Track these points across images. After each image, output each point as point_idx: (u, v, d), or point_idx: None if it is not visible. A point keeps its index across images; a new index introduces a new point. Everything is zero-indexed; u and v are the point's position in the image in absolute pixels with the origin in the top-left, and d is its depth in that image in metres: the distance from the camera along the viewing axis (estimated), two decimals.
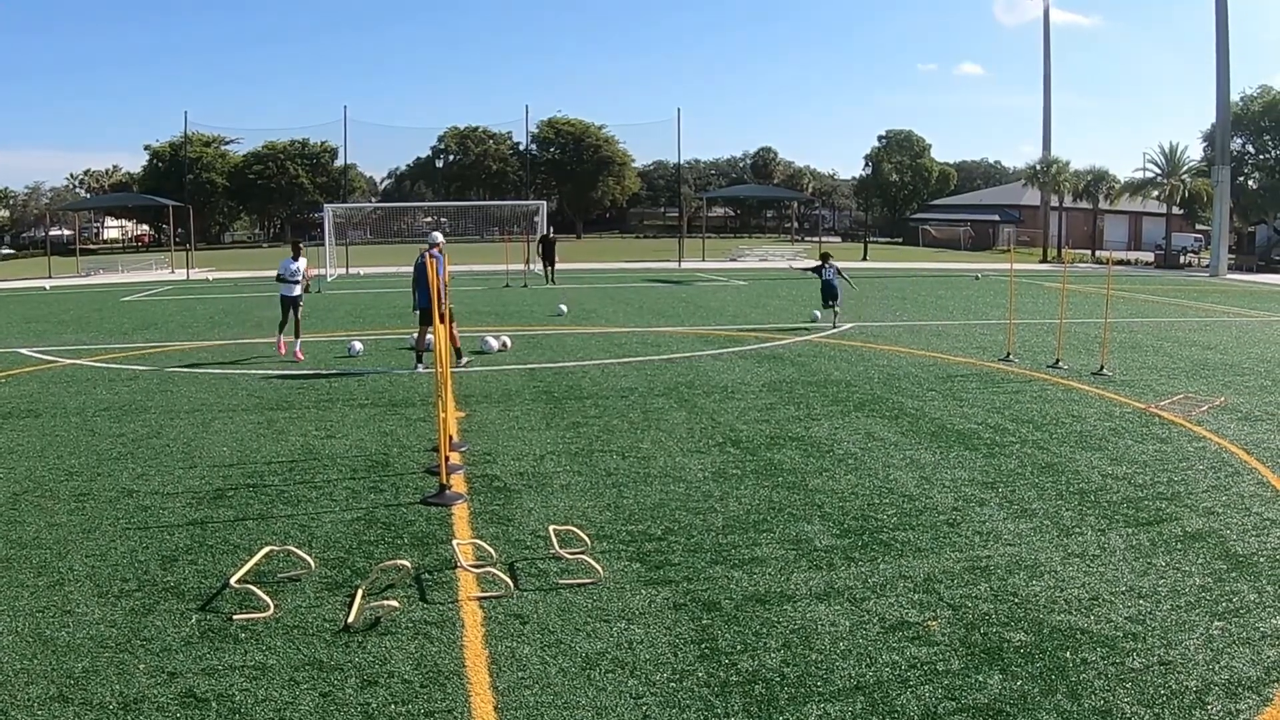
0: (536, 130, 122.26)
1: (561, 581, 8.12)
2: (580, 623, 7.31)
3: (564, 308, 24.14)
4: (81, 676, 6.59)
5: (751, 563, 8.52)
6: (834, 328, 25.07)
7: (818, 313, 27.45)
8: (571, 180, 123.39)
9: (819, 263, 26.74)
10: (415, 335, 19.70)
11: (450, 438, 11.76)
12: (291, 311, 21.88)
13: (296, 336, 21.73)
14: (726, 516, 9.77)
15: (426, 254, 17.94)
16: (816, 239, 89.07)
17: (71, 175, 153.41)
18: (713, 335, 23.78)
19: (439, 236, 18.64)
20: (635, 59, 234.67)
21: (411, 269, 20.43)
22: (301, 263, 21.97)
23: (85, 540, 9.37)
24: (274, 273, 22.21)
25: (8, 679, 6.58)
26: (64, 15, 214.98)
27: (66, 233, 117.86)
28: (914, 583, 8.07)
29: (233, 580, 8.03)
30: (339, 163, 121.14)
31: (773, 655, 6.75)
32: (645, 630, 7.16)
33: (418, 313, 19.34)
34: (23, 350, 23.79)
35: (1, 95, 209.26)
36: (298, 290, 21.77)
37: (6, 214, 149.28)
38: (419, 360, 19.03)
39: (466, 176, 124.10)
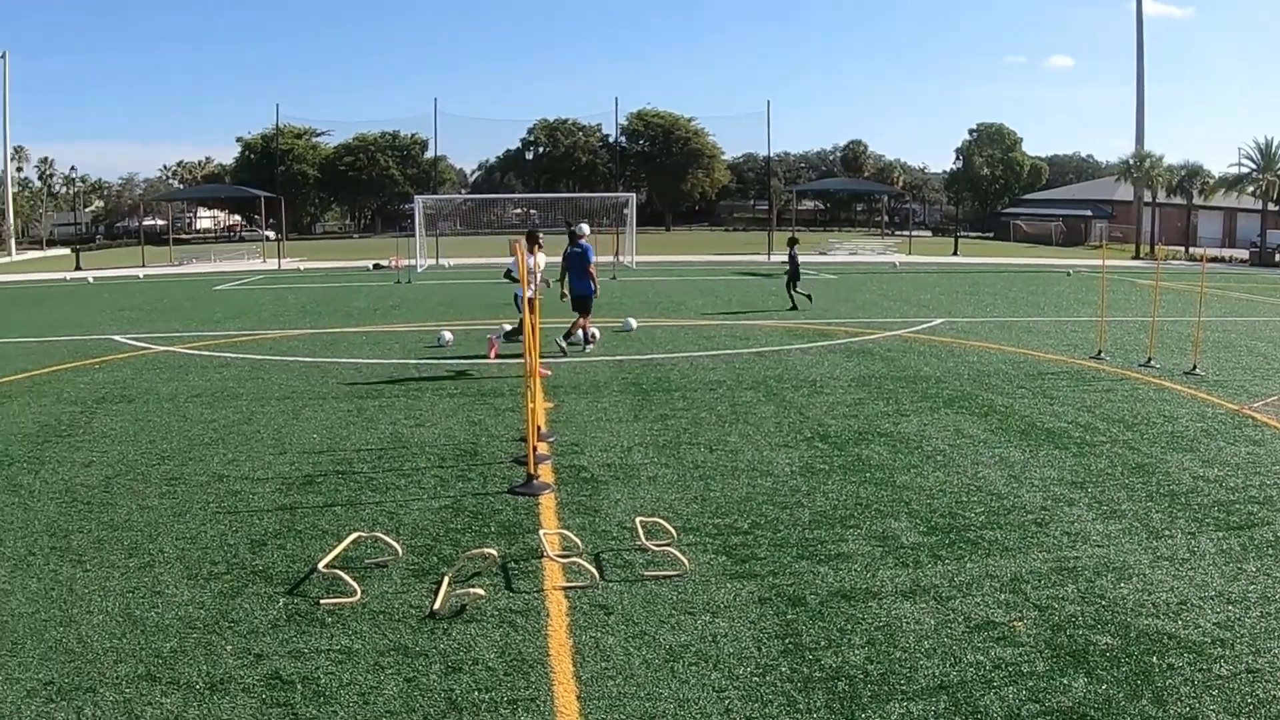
0: (626, 122, 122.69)
1: (647, 573, 8.13)
2: (665, 615, 7.31)
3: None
4: (169, 656, 6.75)
5: (837, 558, 8.47)
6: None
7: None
8: (661, 173, 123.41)
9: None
10: (572, 326, 19.91)
11: (538, 428, 11.84)
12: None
13: (510, 341, 20.20)
14: (813, 511, 9.72)
15: (569, 246, 19.06)
16: (907, 233, 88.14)
17: (165, 167, 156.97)
18: (801, 329, 23.65)
19: (585, 228, 19.11)
20: (725, 51, 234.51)
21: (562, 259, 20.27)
22: (539, 258, 19.31)
23: (176, 523, 9.61)
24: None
25: (97, 657, 6.78)
26: (158, 10, 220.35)
27: (160, 223, 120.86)
28: (1000, 582, 7.96)
29: (320, 565, 8.15)
30: (429, 154, 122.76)
31: (856, 652, 6.70)
32: (729, 624, 7.15)
33: (572, 300, 19.50)
34: (116, 337, 24.44)
35: (97, 89, 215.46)
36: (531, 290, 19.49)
37: (101, 204, 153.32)
38: (586, 343, 19.10)
39: (556, 169, 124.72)
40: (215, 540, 9.10)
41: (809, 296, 29.43)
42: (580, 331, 20.09)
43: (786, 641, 6.85)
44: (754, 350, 20.06)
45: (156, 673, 6.52)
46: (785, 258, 30.57)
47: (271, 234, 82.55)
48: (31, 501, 10.51)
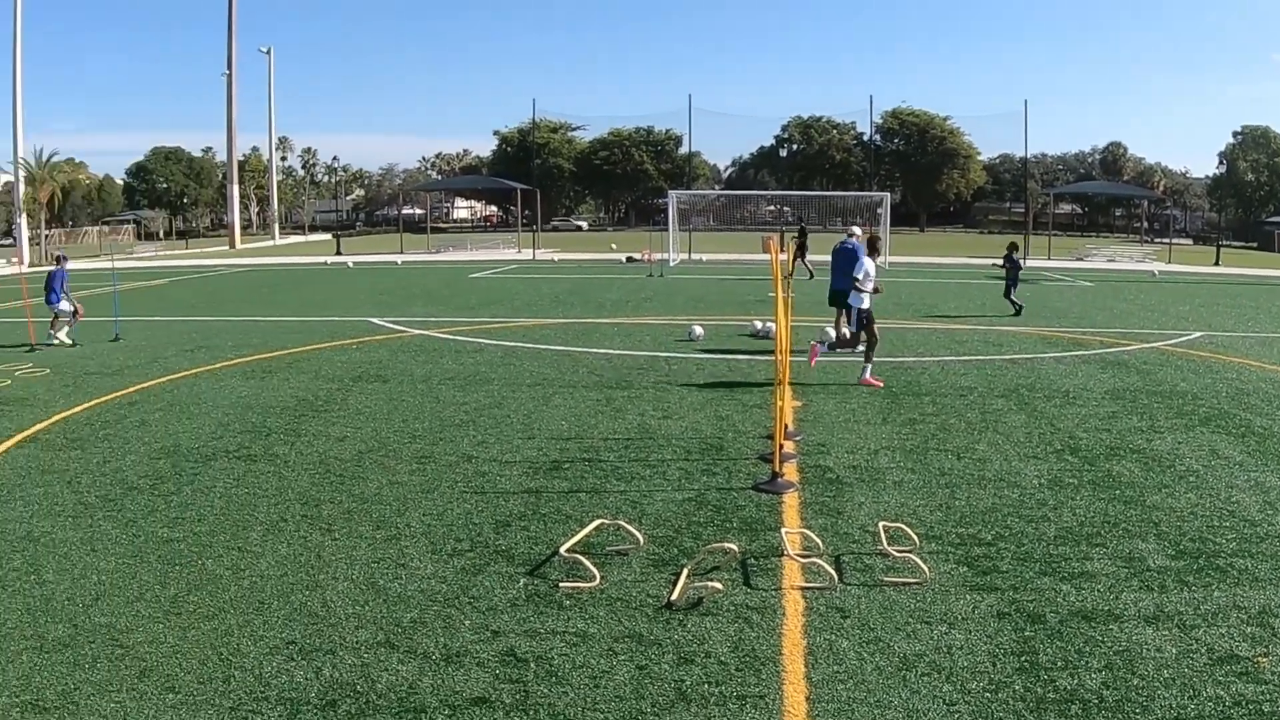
0: (880, 120, 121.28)
1: (886, 579, 7.94)
2: (901, 622, 7.12)
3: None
4: (409, 626, 6.99)
5: (1080, 577, 8.06)
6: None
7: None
8: (915, 172, 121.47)
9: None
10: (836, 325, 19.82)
11: (786, 426, 11.72)
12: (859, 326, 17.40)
13: (868, 361, 16.97)
14: (1059, 527, 9.30)
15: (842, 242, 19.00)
16: (1167, 240, 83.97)
17: (424, 158, 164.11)
18: (1056, 337, 22.74)
19: (858, 230, 19.35)
20: (982, 49, 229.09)
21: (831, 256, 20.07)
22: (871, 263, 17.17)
23: (424, 500, 9.96)
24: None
25: (339, 621, 7.09)
26: (418, 8, 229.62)
27: (418, 212, 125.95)
28: (1248, 614, 7.41)
29: (562, 549, 8.28)
30: (683, 150, 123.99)
31: (1093, 676, 6.36)
32: (966, 636, 6.90)
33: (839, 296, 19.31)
34: (374, 319, 25.54)
35: (359, 82, 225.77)
36: (867, 300, 17.02)
37: (361, 193, 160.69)
38: (852, 346, 18.65)
39: (810, 166, 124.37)
40: (461, 518, 9.37)
41: (1020, 307, 27.84)
42: (840, 331, 19.81)
43: (1022, 659, 6.57)
44: (1006, 357, 19.40)
45: (395, 641, 6.77)
46: (1002, 262, 29.18)
47: (585, 223, 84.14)
48: (286, 471, 11.08)
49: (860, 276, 16.56)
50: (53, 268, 24.18)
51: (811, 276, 38.17)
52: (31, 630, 7.13)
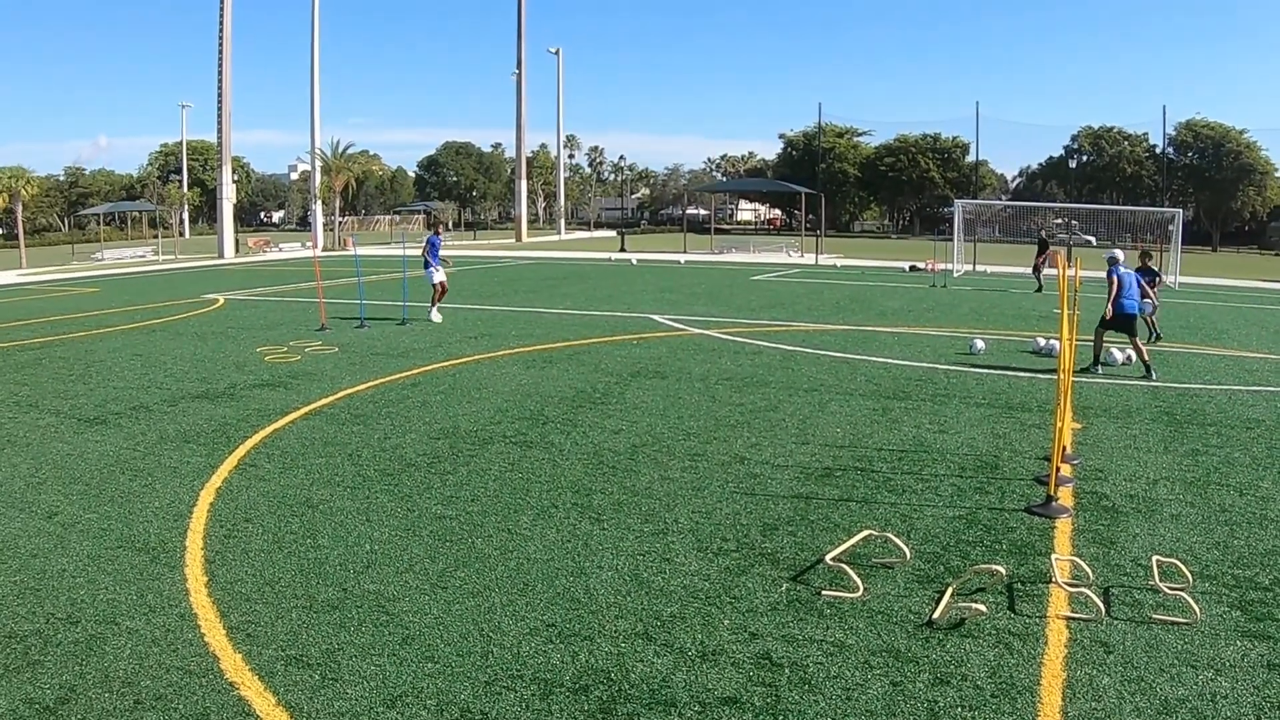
0: (1174, 132, 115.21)
1: (1155, 616, 7.53)
2: (1166, 663, 6.74)
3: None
4: (668, 620, 7.08)
5: None
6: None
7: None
8: (1208, 188, 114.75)
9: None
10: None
11: (1064, 449, 11.30)
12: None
13: None
14: None
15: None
16: None
17: (709, 159, 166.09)
18: None
19: (1119, 254, 18.77)
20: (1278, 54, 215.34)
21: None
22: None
23: (693, 497, 10.07)
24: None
25: (600, 609, 7.26)
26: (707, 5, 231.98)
27: (702, 212, 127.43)
28: None
29: (828, 557, 8.21)
30: (970, 158, 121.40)
31: None
32: (1232, 684, 6.47)
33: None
34: (655, 316, 25.93)
35: (648, 82, 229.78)
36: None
37: (647, 192, 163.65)
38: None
39: (1099, 178, 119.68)
40: (729, 518, 9.42)
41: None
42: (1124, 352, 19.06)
43: None
44: None
45: (653, 633, 6.88)
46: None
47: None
48: (560, 460, 11.38)
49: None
50: (430, 235, 25.89)
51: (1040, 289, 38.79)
52: (303, 590, 7.58)
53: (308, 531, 8.96)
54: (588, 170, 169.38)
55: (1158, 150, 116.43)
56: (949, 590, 7.71)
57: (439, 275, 25.06)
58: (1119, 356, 19.65)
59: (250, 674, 6.28)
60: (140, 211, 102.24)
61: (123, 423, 13.32)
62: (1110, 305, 18.45)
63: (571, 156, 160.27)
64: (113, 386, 15.82)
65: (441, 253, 25.06)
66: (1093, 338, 19.31)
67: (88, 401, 14.69)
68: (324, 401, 14.53)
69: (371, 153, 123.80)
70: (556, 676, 6.26)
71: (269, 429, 12.94)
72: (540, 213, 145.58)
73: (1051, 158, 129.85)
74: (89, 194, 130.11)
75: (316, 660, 6.46)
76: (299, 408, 14.10)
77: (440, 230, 26.37)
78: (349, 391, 15.26)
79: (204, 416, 13.64)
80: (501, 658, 6.49)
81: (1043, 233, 49.63)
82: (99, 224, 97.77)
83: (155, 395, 15.08)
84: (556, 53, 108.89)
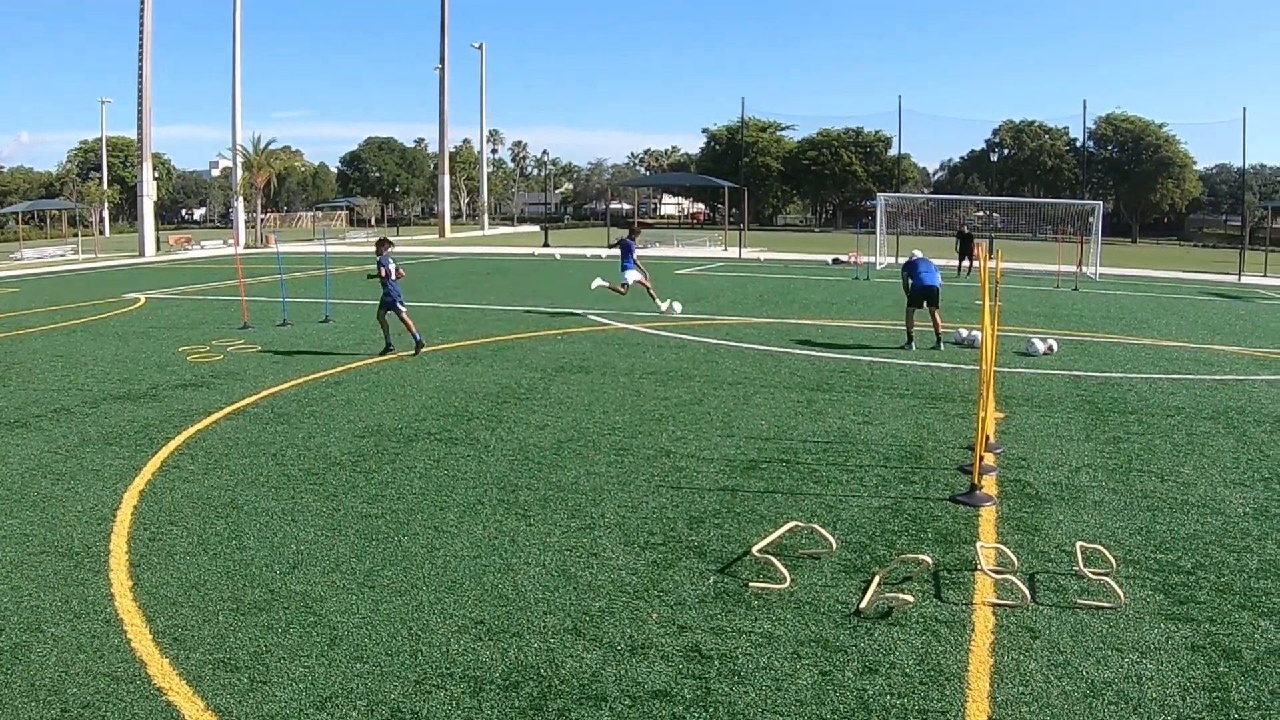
0: (1094, 126, 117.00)
1: (1080, 601, 7.67)
2: (1092, 647, 6.87)
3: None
4: (597, 615, 7.11)
5: None
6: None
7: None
8: (1128, 181, 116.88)
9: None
10: None
11: (987, 438, 11.46)
12: None
13: None
14: (1262, 559, 8.80)
15: None
16: None
17: (632, 154, 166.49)
18: (1271, 359, 21.53)
19: (918, 253, 20.78)
20: (1198, 52, 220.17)
21: None
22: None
23: (620, 492, 10.10)
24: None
25: (528, 605, 7.28)
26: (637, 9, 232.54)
27: (626, 207, 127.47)
28: None
29: (755, 549, 8.28)
30: (892, 152, 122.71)
31: None
32: (1157, 667, 6.61)
33: None
34: (580, 311, 25.94)
35: (570, 78, 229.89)
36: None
37: (570, 187, 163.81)
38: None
39: (1021, 171, 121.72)
40: (655, 512, 9.47)
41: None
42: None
43: (1214, 695, 6.26)
44: (1216, 377, 18.49)
45: (582, 628, 6.90)
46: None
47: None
48: (486, 456, 11.38)
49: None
50: (624, 236, 26.76)
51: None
52: (230, 593, 7.52)
53: (233, 533, 8.87)
54: (511, 165, 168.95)
55: (1078, 144, 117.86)
56: (876, 580, 7.80)
57: (633, 275, 25.66)
58: (1040, 347, 19.99)
59: (178, 679, 6.20)
60: (60, 210, 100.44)
61: (44, 425, 13.09)
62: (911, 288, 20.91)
63: (495, 151, 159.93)
64: (33, 389, 15.54)
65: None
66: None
67: (7, 404, 14.41)
68: (247, 401, 14.38)
69: (294, 149, 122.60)
70: (486, 674, 6.26)
71: (192, 429, 12.78)
72: (464, 208, 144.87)
73: (973, 151, 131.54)
74: (7, 192, 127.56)
75: (245, 663, 6.40)
76: (222, 407, 13.94)
77: (635, 235, 26.69)
78: (272, 390, 15.12)
79: (126, 418, 13.45)
80: (431, 656, 6.47)
81: (964, 228, 50.24)
82: (18, 223, 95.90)
83: (76, 397, 14.83)
84: (480, 47, 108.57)
